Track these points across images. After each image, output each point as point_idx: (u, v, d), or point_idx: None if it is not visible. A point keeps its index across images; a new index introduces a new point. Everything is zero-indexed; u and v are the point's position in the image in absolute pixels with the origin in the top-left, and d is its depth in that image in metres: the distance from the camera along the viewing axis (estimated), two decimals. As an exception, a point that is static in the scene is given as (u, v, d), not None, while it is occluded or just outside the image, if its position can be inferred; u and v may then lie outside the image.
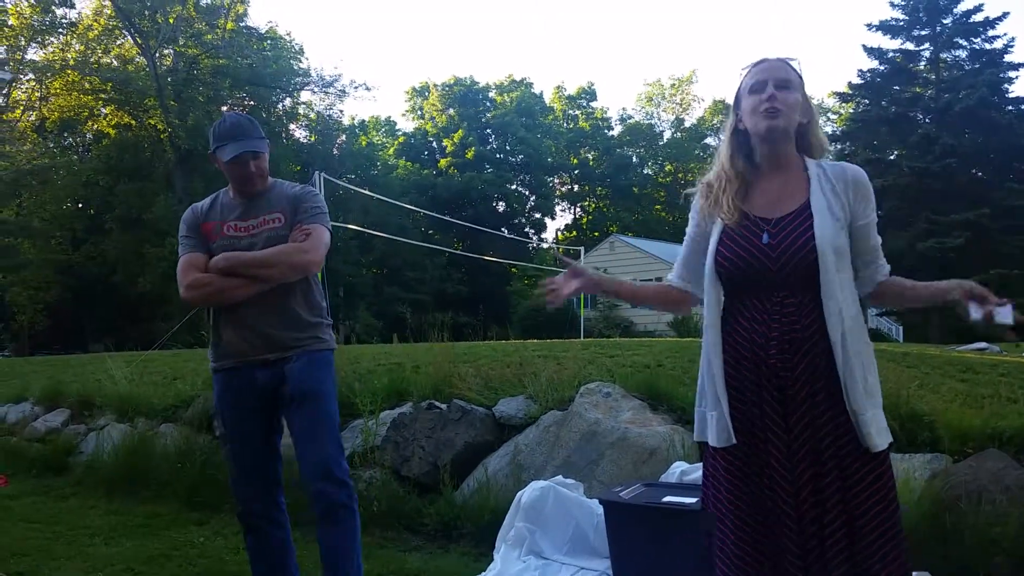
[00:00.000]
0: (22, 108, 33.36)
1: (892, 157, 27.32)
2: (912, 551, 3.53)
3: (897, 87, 27.99)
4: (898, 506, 2.12)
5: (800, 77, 2.23)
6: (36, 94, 33.67)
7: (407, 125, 52.01)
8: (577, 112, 53.73)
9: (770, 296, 2.12)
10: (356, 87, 39.44)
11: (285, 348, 3.01)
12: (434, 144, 49.14)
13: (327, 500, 2.94)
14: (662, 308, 2.51)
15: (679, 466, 4.20)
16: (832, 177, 2.19)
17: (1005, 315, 1.98)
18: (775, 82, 2.17)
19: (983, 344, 10.49)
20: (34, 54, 33.44)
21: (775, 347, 2.09)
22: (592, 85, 54.38)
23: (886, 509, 2.08)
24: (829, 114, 45.69)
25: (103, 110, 34.09)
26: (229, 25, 34.10)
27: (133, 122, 33.19)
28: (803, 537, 2.05)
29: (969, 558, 3.56)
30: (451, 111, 48.50)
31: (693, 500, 3.46)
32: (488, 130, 48.44)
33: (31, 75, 33.10)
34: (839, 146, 29.73)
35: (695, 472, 4.01)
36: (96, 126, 34.58)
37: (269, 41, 37.20)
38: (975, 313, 2.00)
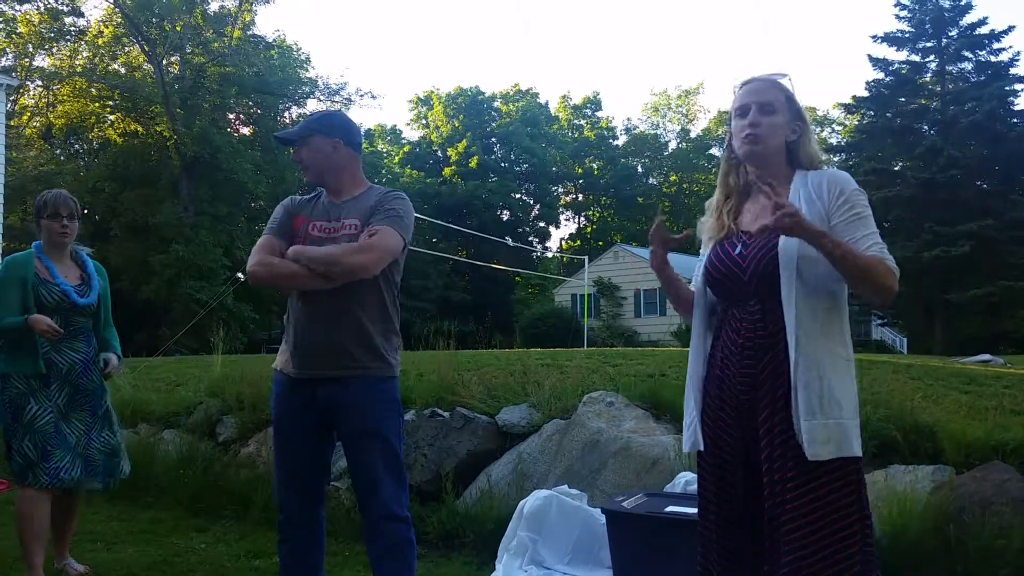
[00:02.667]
0: (29, 114, 33.50)
1: (897, 168, 27.35)
2: (916, 562, 3.54)
3: (903, 99, 28.04)
4: (843, 525, 2.04)
5: (789, 94, 2.27)
6: (43, 101, 33.82)
7: (412, 134, 52.15)
8: (582, 122, 53.80)
9: (745, 304, 2.21)
10: (362, 95, 39.32)
11: (346, 367, 2.87)
12: (439, 153, 49.20)
13: (389, 538, 2.88)
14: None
15: (684, 476, 4.19)
16: (812, 185, 2.21)
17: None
18: (758, 106, 2.23)
19: (987, 356, 10.47)
20: (42, 61, 33.65)
21: (738, 353, 2.19)
22: (597, 95, 54.46)
23: (826, 522, 2.03)
24: (834, 125, 45.82)
25: (109, 117, 34.23)
26: (236, 33, 34.21)
27: (140, 129, 33.31)
28: (757, 541, 2.12)
29: (973, 571, 3.55)
30: (456, 120, 48.55)
31: (696, 510, 3.44)
32: (493, 139, 48.49)
33: (39, 82, 33.27)
34: (843, 157, 29.78)
35: (698, 482, 4.00)
36: (102, 133, 34.71)
37: (276, 50, 37.29)
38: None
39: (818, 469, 2.04)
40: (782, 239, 2.12)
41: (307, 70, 38.89)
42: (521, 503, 4.21)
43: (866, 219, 2.16)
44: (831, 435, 2.05)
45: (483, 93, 49.78)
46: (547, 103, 52.33)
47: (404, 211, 2.96)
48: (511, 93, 51.22)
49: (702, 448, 2.27)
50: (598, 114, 53.88)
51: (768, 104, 2.23)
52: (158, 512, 5.58)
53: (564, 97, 54.28)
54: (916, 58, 28.10)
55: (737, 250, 2.24)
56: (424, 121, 51.20)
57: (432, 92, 50.70)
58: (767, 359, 2.13)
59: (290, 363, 2.96)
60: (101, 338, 4.09)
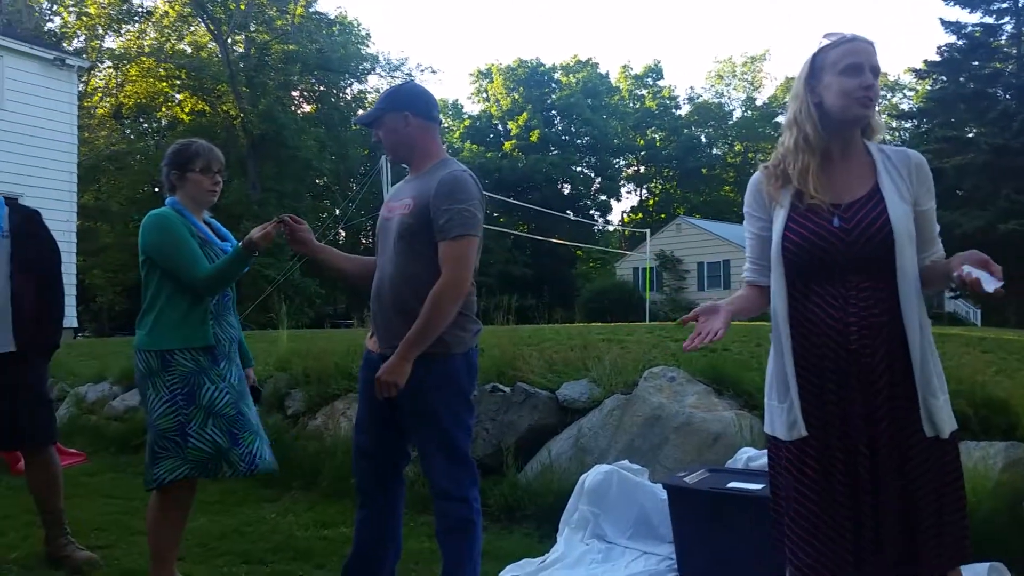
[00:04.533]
0: (100, 95, 34.36)
1: (970, 135, 26.42)
2: (987, 540, 3.46)
3: (976, 63, 27.01)
4: (964, 493, 2.15)
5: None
6: (113, 81, 34.66)
7: (473, 108, 52.18)
8: (644, 92, 53.12)
9: (843, 281, 2.09)
10: (422, 70, 39.76)
11: (397, 344, 2.78)
12: (499, 127, 49.14)
13: (447, 517, 2.90)
14: (758, 311, 2.36)
15: (746, 452, 4.16)
16: (896, 162, 2.17)
17: (990, 283, 1.90)
18: (871, 69, 2.13)
19: (1065, 329, 10.14)
20: (111, 42, 34.52)
21: (855, 332, 2.06)
22: (659, 63, 53.72)
23: (953, 494, 2.11)
24: (906, 91, 44.47)
25: (177, 96, 34.96)
26: (299, 11, 34.55)
27: (207, 108, 33.96)
28: (876, 520, 2.06)
29: (1047, 550, 3.46)
30: (516, 93, 48.38)
31: (759, 487, 3.42)
32: (553, 112, 48.23)
33: (108, 63, 34.10)
34: (915, 123, 28.91)
35: (762, 458, 3.96)
36: (171, 112, 35.46)
37: (337, 26, 37.60)
38: (964, 273, 1.93)
39: (947, 444, 2.11)
40: (892, 213, 2.07)
41: (368, 46, 39.20)
42: (582, 477, 4.22)
43: (934, 209, 2.21)
44: (950, 411, 2.11)
45: (543, 65, 49.50)
46: (607, 73, 51.80)
47: (471, 204, 2.78)
48: (571, 64, 50.77)
49: (805, 433, 2.12)
50: (660, 83, 53.18)
51: (878, 68, 2.15)
52: (230, 483, 5.67)
53: (625, 67, 53.73)
54: (990, 20, 26.99)
55: (835, 223, 2.11)
56: (484, 95, 51.12)
57: (492, 65, 50.60)
58: (882, 338, 2.06)
59: (370, 338, 3.03)
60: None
